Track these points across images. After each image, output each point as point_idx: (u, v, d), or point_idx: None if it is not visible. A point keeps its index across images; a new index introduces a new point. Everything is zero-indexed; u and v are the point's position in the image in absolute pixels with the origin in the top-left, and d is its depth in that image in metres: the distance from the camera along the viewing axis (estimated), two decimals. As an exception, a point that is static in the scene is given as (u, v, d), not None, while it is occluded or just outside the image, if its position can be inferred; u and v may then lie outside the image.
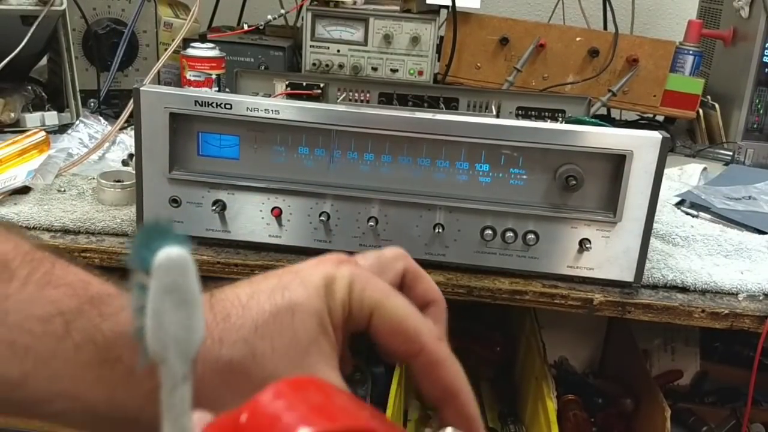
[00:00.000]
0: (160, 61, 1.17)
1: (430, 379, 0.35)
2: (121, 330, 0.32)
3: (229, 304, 0.34)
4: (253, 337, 0.33)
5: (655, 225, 0.78)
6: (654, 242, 0.86)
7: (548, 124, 0.95)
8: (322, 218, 0.77)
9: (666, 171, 0.74)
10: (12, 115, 1.14)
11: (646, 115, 1.45)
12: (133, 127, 0.82)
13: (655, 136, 0.72)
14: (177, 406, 0.20)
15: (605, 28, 1.41)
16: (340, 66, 1.28)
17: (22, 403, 0.32)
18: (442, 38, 1.33)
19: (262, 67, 1.28)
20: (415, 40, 1.26)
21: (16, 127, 1.14)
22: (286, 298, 0.34)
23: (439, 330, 0.37)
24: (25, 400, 0.32)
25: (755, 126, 1.38)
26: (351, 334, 0.36)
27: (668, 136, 0.72)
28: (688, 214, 1.00)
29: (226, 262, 0.78)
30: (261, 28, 1.32)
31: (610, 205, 0.75)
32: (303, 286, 0.35)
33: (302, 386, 0.25)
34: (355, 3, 1.28)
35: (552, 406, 0.90)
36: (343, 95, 1.15)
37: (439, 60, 1.33)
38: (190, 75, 1.12)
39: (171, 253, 0.20)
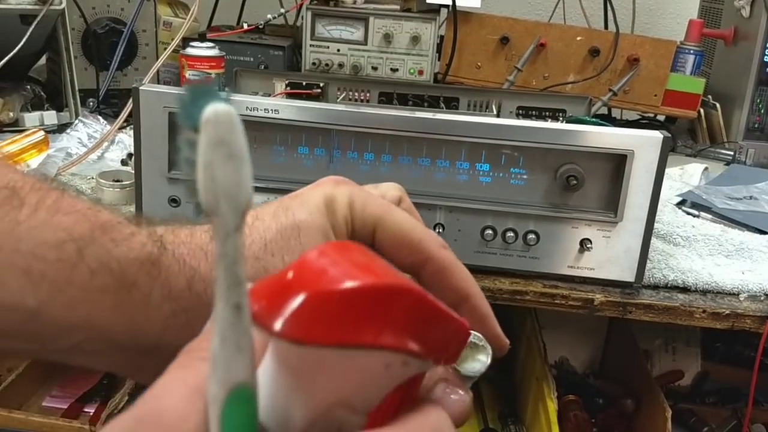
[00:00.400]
0: (159, 60, 1.16)
1: (440, 286, 0.35)
2: (135, 256, 0.32)
3: None
4: (263, 254, 0.34)
5: (656, 225, 0.78)
6: (655, 242, 0.86)
7: (549, 124, 0.94)
8: (321, 218, 0.77)
9: (667, 171, 0.74)
10: (11, 114, 1.14)
11: (647, 115, 1.45)
12: (132, 126, 0.82)
13: (656, 135, 0.72)
14: (230, 254, 0.21)
15: (606, 27, 1.40)
16: (340, 65, 1.27)
17: (40, 335, 0.32)
18: (442, 37, 1.32)
19: (262, 67, 1.27)
20: (415, 39, 1.26)
21: (14, 127, 1.13)
22: (290, 218, 0.35)
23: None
24: (44, 331, 0.32)
25: (756, 126, 1.38)
26: None
27: (669, 135, 0.72)
28: (689, 214, 0.99)
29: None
30: (261, 27, 1.32)
31: (611, 205, 0.75)
32: (304, 206, 0.35)
33: (347, 248, 0.25)
34: (355, 2, 1.28)
35: (552, 406, 0.90)
36: (343, 95, 1.14)
37: (439, 59, 1.32)
38: (189, 74, 1.11)
39: (218, 108, 0.20)
